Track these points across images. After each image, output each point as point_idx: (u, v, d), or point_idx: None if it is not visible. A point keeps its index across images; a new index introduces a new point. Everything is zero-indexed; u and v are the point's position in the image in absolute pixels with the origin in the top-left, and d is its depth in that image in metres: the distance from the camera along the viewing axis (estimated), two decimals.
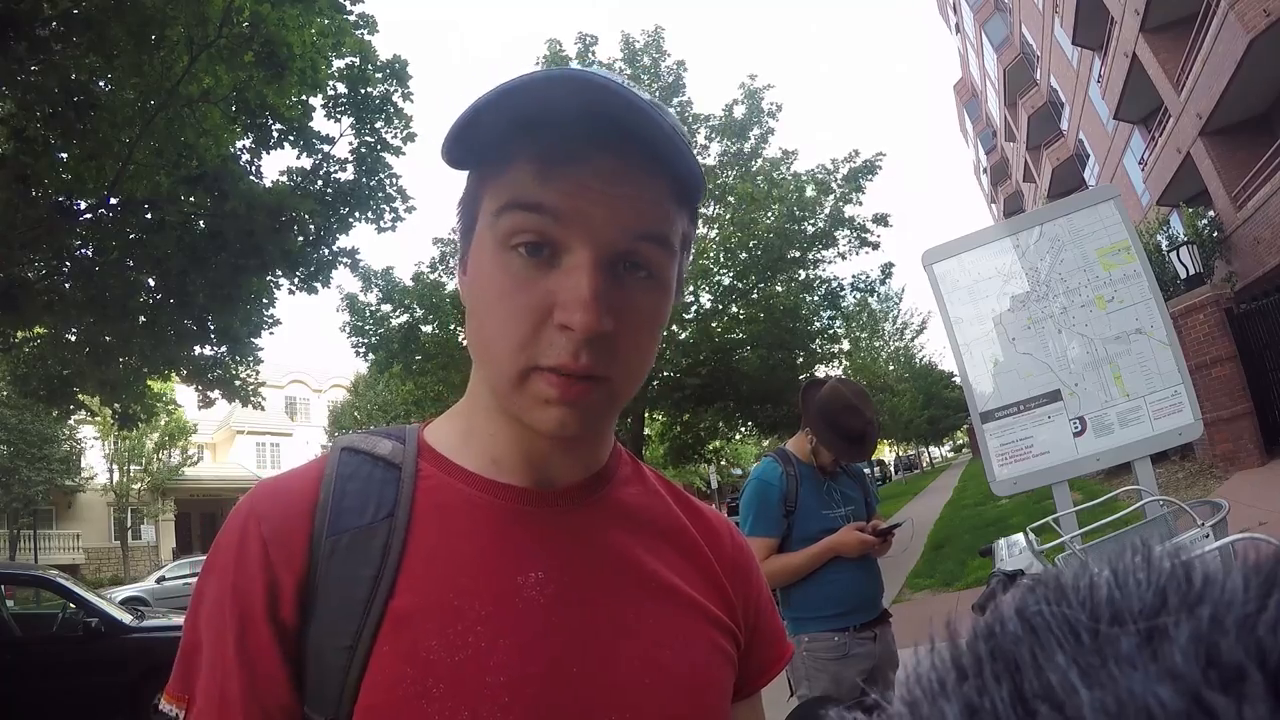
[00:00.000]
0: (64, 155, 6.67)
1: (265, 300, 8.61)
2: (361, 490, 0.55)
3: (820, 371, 13.49)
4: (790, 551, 2.25)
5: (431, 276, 11.81)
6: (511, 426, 0.56)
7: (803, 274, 12.07)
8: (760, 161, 11.96)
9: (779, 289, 11.90)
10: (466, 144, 0.51)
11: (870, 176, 11.35)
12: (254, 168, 8.04)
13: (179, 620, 6.27)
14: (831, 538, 2.21)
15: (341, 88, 8.27)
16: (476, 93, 0.49)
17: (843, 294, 12.92)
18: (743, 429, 15.07)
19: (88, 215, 7.16)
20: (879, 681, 2.12)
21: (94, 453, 25.15)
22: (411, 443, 0.59)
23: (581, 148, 0.49)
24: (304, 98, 7.84)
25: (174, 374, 9.03)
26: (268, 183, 8.11)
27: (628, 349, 0.52)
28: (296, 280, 8.51)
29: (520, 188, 0.50)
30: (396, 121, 8.65)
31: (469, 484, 0.56)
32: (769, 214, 11.04)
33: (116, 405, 8.70)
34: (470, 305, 0.54)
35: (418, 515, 0.54)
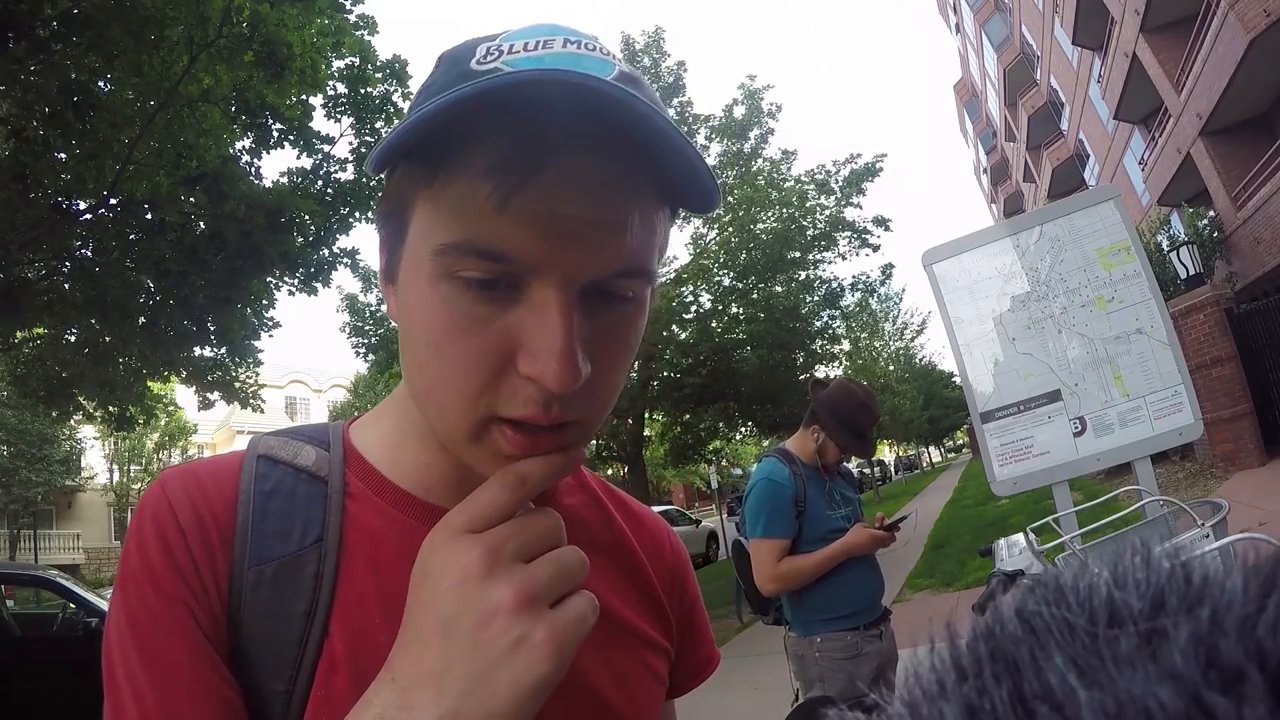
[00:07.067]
0: (64, 155, 6.67)
1: (265, 301, 8.62)
2: (284, 511, 0.48)
3: (820, 371, 13.48)
4: (798, 554, 2.22)
5: None
6: (447, 458, 0.50)
7: (803, 274, 12.06)
8: (760, 162, 11.96)
9: (779, 289, 11.89)
10: (402, 149, 0.40)
11: (871, 179, 11.34)
12: (254, 168, 8.05)
13: None
14: (845, 539, 2.21)
15: (341, 88, 8.29)
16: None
17: (843, 294, 12.93)
18: (743, 429, 15.04)
19: (88, 215, 7.16)
20: (882, 680, 2.13)
21: (94, 453, 25.20)
22: (337, 448, 0.53)
23: (550, 151, 0.38)
24: (304, 98, 7.84)
25: (173, 375, 9.04)
26: (268, 183, 8.12)
27: (604, 388, 0.43)
28: (296, 281, 8.52)
29: (470, 220, 0.38)
30: (396, 121, 8.66)
31: (401, 509, 0.51)
32: (769, 215, 11.03)
33: (113, 407, 8.71)
34: (405, 335, 0.44)
35: (348, 542, 0.48)
